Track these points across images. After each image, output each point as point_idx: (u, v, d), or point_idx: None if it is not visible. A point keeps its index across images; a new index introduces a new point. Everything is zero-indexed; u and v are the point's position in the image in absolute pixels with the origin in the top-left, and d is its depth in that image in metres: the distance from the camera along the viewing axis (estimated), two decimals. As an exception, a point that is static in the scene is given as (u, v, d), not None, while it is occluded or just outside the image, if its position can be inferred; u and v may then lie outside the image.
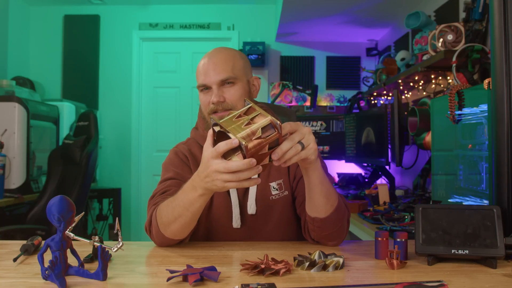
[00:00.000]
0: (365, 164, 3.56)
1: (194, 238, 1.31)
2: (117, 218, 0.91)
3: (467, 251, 0.95)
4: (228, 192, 1.26)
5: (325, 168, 1.31)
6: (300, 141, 0.93)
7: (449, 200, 1.75)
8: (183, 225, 1.07)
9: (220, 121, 0.90)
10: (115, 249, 0.84)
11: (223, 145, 0.87)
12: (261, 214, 1.25)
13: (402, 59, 2.73)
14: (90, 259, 0.97)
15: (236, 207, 1.24)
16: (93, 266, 0.90)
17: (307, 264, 0.91)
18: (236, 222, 1.24)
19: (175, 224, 1.07)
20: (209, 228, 1.27)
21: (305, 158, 0.95)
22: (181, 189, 1.06)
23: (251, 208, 1.25)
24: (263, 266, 0.88)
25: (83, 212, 0.99)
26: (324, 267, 0.91)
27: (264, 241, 1.24)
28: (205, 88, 1.24)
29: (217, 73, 1.22)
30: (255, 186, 1.26)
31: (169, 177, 1.25)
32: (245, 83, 1.27)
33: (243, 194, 1.27)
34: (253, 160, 0.86)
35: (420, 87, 2.75)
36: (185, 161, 1.30)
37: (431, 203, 1.92)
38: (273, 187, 1.27)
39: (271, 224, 1.26)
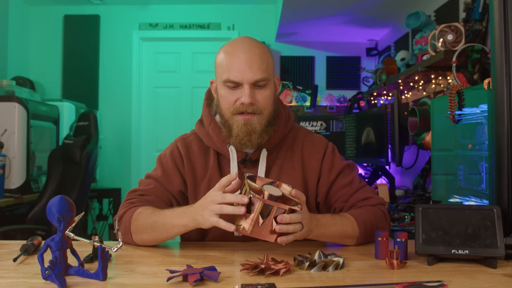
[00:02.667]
0: (365, 164, 3.56)
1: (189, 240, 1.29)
2: (117, 218, 0.91)
3: (467, 251, 0.95)
4: None
5: (350, 174, 1.25)
6: (301, 222, 0.97)
7: (449, 200, 1.75)
8: (155, 240, 1.11)
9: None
10: (115, 249, 0.83)
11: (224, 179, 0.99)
12: None
13: (402, 59, 2.73)
14: (90, 259, 0.97)
15: None
16: (93, 266, 0.90)
17: (307, 264, 0.91)
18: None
19: (148, 236, 1.10)
20: (204, 231, 1.22)
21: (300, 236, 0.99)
22: (171, 209, 1.09)
23: None
24: (263, 266, 0.87)
25: (83, 212, 0.99)
26: (324, 267, 0.91)
27: (263, 243, 1.23)
28: (233, 86, 1.14)
29: (252, 72, 1.12)
30: None
31: (155, 177, 1.24)
32: (273, 85, 1.20)
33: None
34: (245, 198, 0.93)
35: (420, 87, 2.75)
36: (178, 164, 1.24)
37: (431, 203, 1.92)
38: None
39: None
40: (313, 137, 1.29)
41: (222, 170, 1.23)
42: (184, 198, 1.24)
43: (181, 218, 1.04)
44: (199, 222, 1.01)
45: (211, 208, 0.97)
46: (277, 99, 1.26)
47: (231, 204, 0.96)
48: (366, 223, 1.13)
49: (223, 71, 1.15)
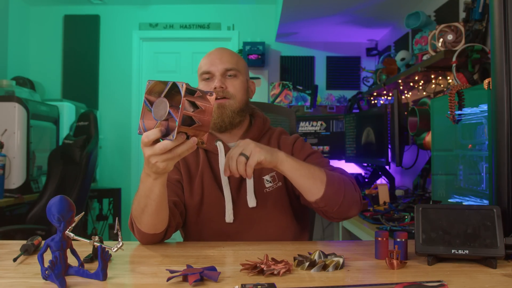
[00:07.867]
0: (365, 164, 3.56)
1: (187, 237, 1.31)
2: (117, 218, 0.91)
3: (467, 251, 0.95)
4: (220, 188, 1.28)
5: (319, 157, 1.32)
6: (242, 153, 1.03)
7: (449, 200, 1.75)
8: (151, 215, 1.07)
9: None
10: (115, 249, 0.83)
11: (152, 134, 0.95)
12: (256, 207, 1.27)
13: (402, 59, 2.73)
14: (90, 259, 0.97)
15: (229, 202, 1.26)
16: (93, 266, 0.90)
17: (307, 264, 0.91)
18: (228, 217, 1.26)
19: (144, 215, 1.08)
20: (200, 225, 1.28)
21: (260, 162, 1.04)
22: (140, 180, 1.08)
23: (251, 201, 1.26)
24: (263, 266, 0.88)
25: (83, 212, 0.99)
26: (324, 267, 0.91)
27: (258, 233, 1.26)
28: (207, 77, 1.29)
29: (222, 62, 1.28)
30: (251, 180, 1.27)
31: None
32: (245, 81, 1.33)
33: (236, 189, 1.28)
34: (180, 136, 0.90)
35: (420, 87, 2.75)
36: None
37: (431, 203, 1.92)
38: (266, 180, 1.29)
39: (265, 216, 1.27)
40: (287, 134, 1.41)
41: (212, 164, 1.32)
42: (182, 188, 1.30)
43: (149, 177, 1.03)
44: (162, 172, 1.00)
45: (156, 160, 0.97)
46: (251, 105, 1.39)
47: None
48: (330, 177, 1.13)
49: (200, 68, 1.32)
